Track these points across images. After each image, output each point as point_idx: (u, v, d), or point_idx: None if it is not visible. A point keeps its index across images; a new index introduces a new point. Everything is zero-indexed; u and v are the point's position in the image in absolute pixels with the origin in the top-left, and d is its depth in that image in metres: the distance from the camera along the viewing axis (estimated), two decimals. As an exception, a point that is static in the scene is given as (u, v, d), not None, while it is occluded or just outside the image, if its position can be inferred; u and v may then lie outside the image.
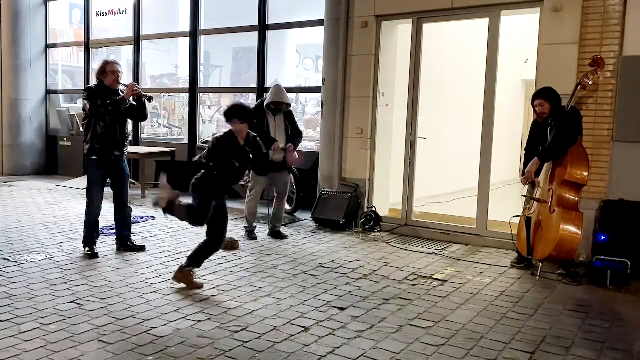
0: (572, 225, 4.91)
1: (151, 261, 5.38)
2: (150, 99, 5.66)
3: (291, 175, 7.74)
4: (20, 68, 11.49)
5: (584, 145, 5.14)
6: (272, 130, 6.38)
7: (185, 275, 4.64)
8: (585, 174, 5.00)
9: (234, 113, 4.58)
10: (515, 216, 5.52)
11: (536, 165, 5.18)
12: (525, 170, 5.27)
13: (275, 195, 6.64)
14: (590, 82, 5.19)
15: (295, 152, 6.34)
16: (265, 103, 6.39)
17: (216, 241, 4.74)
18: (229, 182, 4.70)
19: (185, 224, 7.03)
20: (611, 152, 5.55)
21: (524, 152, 5.53)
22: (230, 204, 8.35)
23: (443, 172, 8.29)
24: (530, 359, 3.48)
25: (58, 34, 12.36)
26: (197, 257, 4.72)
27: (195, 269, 4.73)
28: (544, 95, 5.22)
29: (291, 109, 6.72)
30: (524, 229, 5.29)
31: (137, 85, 5.62)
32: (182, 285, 4.62)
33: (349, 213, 7.03)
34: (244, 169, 4.78)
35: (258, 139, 4.79)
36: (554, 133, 5.06)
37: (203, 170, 4.63)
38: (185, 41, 9.98)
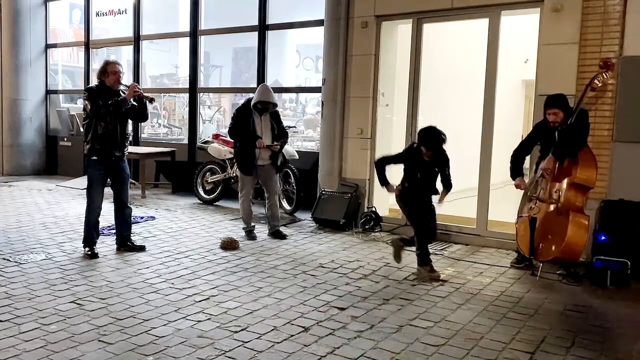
0: (579, 228, 4.89)
1: (151, 261, 5.38)
2: (151, 100, 5.66)
3: (292, 174, 7.76)
4: (20, 68, 11.51)
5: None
6: (258, 129, 6.36)
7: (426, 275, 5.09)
8: (594, 176, 4.97)
9: (435, 142, 5.03)
10: (520, 216, 5.50)
11: (552, 163, 5.09)
12: (541, 167, 5.13)
13: (266, 195, 6.64)
14: (600, 84, 5.18)
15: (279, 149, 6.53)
16: (252, 102, 6.38)
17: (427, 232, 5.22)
18: (420, 191, 5.21)
19: (185, 224, 7.09)
20: (611, 152, 5.55)
21: (512, 154, 5.41)
22: (228, 204, 8.48)
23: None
24: (530, 359, 3.48)
25: (58, 34, 12.37)
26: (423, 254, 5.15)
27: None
28: (558, 104, 5.09)
29: (277, 109, 6.68)
30: (527, 229, 5.26)
31: (138, 86, 5.62)
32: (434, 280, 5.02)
33: (349, 213, 7.03)
34: (429, 179, 5.21)
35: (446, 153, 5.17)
36: (567, 133, 5.00)
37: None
38: (185, 41, 9.99)
